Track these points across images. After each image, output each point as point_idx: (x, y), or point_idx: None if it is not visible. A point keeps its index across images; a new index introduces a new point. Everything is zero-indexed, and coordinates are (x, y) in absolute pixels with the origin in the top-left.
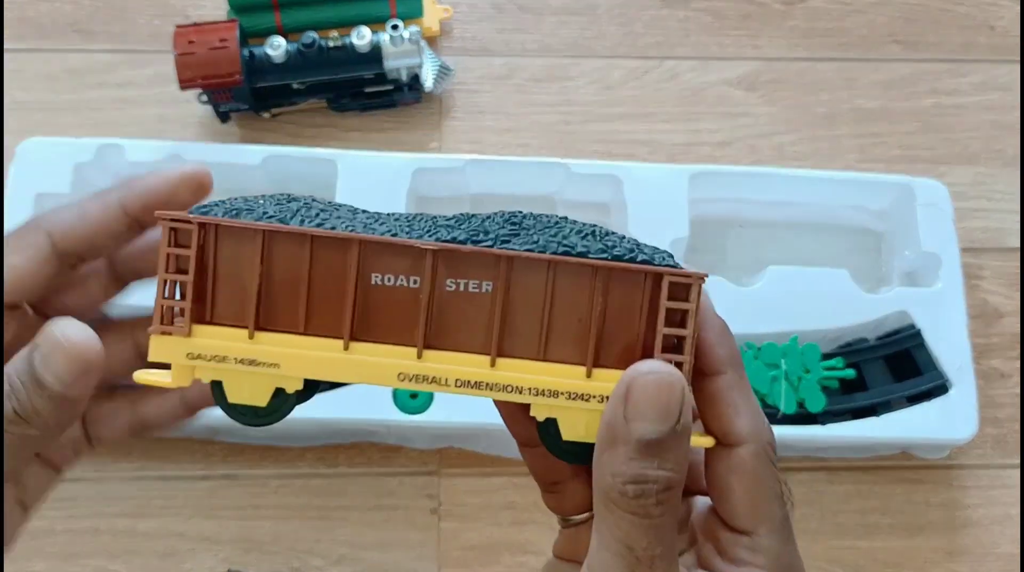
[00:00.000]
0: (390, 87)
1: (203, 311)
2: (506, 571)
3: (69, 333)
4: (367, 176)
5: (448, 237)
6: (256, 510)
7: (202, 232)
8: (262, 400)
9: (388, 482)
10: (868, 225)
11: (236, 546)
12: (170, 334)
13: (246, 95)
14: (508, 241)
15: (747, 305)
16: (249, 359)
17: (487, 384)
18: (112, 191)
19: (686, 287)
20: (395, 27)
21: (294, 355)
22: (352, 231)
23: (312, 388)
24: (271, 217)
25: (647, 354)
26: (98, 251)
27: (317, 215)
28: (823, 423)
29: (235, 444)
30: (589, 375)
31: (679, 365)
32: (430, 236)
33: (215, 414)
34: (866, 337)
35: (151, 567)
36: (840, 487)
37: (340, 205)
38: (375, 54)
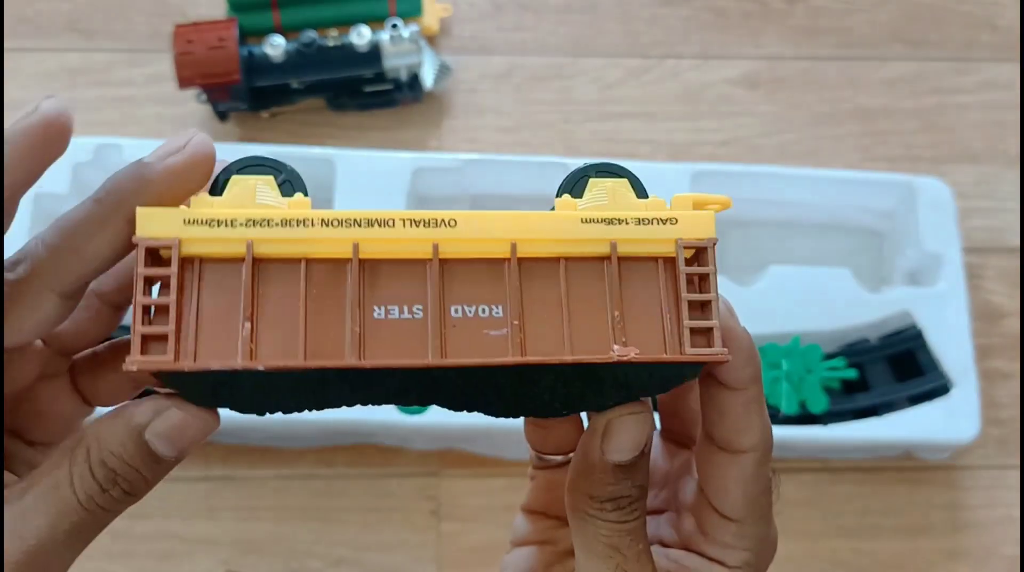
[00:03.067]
0: (389, 86)
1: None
2: None
3: (183, 409)
4: (366, 175)
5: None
6: (255, 511)
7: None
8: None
9: (388, 483)
10: (870, 224)
11: (235, 548)
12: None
13: (245, 94)
14: None
15: (748, 305)
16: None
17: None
18: (113, 214)
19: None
20: (394, 26)
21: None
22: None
23: None
24: None
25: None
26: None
27: None
28: (825, 424)
29: (234, 445)
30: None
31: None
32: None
33: None
34: (868, 337)
35: (149, 568)
36: (842, 488)
37: None
38: (374, 53)
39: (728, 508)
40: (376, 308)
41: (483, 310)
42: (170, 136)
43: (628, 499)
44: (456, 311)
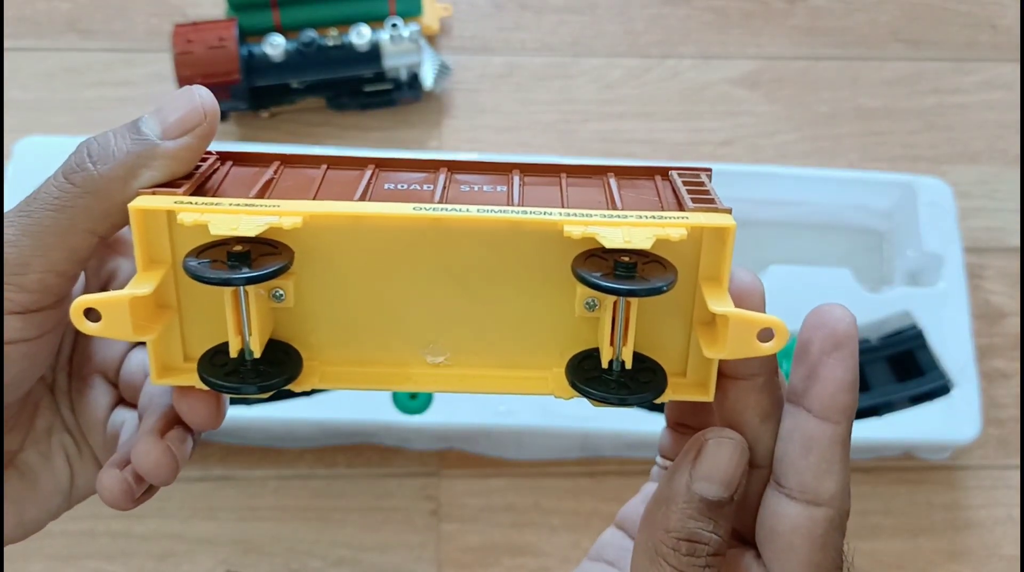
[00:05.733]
0: (389, 86)
1: (207, 191)
2: None
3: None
4: None
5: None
6: (254, 511)
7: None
8: (254, 230)
9: (387, 483)
10: (870, 224)
11: (234, 548)
12: (164, 195)
13: (244, 94)
14: None
15: None
16: (247, 203)
17: (512, 210)
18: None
19: (695, 174)
20: (394, 25)
21: (296, 203)
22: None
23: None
24: None
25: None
26: None
27: None
28: None
29: (233, 445)
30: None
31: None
32: None
33: None
34: (868, 337)
35: (148, 569)
36: None
37: None
38: (374, 52)
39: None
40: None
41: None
42: (174, 97)
43: (705, 546)
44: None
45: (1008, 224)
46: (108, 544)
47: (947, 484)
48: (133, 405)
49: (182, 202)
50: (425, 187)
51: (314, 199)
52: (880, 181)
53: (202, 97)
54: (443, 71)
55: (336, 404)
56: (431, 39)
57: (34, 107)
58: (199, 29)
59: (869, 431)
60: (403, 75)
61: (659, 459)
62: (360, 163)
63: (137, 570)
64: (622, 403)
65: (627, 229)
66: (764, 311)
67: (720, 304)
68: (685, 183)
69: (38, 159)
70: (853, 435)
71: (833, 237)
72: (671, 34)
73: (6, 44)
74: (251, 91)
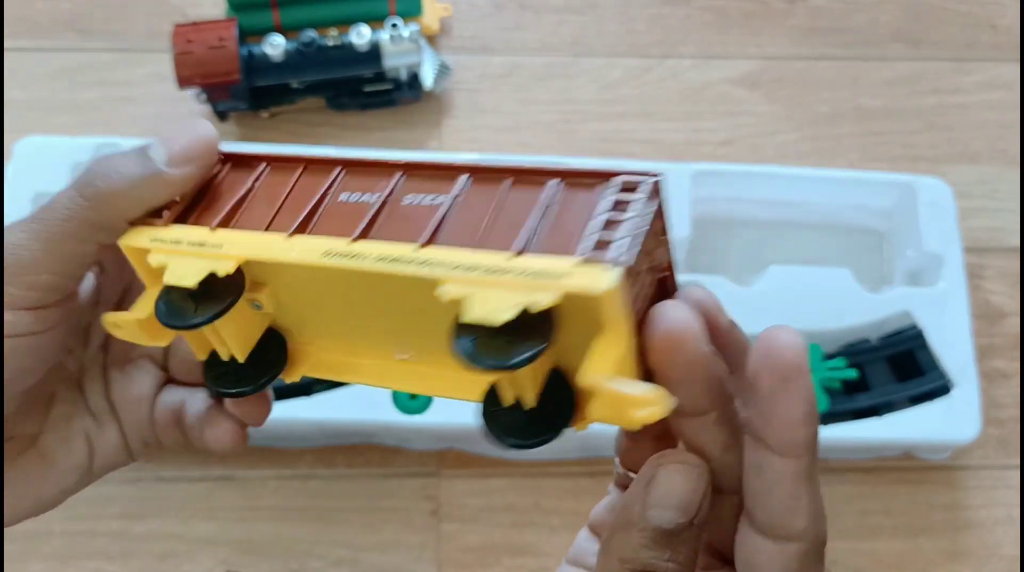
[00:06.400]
0: (389, 86)
1: (185, 217)
2: None
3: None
4: None
5: None
6: (254, 511)
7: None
8: (192, 280)
9: (387, 483)
10: (870, 224)
11: (234, 548)
12: (150, 225)
13: (244, 94)
14: None
15: (748, 305)
16: (200, 242)
17: (406, 259)
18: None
19: (632, 187)
20: (394, 25)
21: (237, 239)
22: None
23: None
24: None
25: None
26: None
27: None
28: (825, 424)
29: None
30: (517, 255)
31: (618, 262)
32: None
33: None
34: (868, 337)
35: (149, 569)
36: (842, 488)
37: None
38: (374, 52)
39: None
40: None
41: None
42: (180, 127)
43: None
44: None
45: (1008, 224)
46: (108, 544)
47: (947, 484)
48: (184, 382)
49: (157, 239)
50: (374, 198)
51: (270, 221)
52: (880, 181)
53: (207, 131)
54: (443, 71)
55: (336, 404)
56: (431, 39)
57: (34, 107)
58: (199, 29)
59: (869, 431)
60: (403, 75)
61: (618, 464)
62: (330, 165)
63: (137, 570)
64: (516, 447)
65: (497, 294)
66: (725, 319)
67: (592, 375)
68: (617, 205)
69: (38, 159)
70: (854, 435)
71: (833, 237)
72: (671, 34)
73: (6, 44)
74: (251, 91)
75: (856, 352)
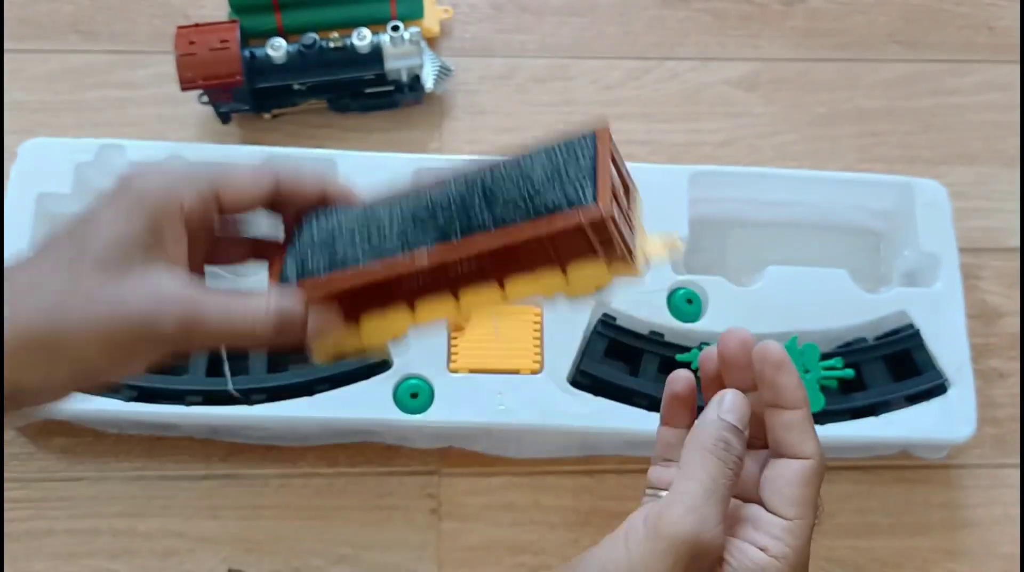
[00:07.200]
0: (390, 88)
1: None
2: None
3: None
4: (367, 177)
5: (439, 226)
6: (256, 510)
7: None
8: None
9: (388, 482)
10: (868, 225)
11: (236, 546)
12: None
13: (247, 96)
14: (484, 210)
15: (747, 305)
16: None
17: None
18: (266, 167)
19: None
20: (395, 28)
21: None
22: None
23: None
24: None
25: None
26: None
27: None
28: (822, 423)
29: (235, 443)
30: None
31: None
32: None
33: (216, 413)
34: (865, 337)
35: (151, 567)
36: (839, 487)
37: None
38: (375, 55)
39: (782, 505)
40: None
41: None
42: (170, 137)
43: (733, 448)
44: None
45: (1005, 224)
46: (110, 542)
47: (944, 483)
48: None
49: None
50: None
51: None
52: (877, 182)
53: None
54: (444, 73)
55: (337, 403)
56: (432, 41)
57: (37, 109)
58: (201, 31)
59: (866, 430)
60: (404, 77)
61: (648, 484)
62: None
63: (139, 568)
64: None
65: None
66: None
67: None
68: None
69: (41, 161)
70: (851, 433)
71: (831, 238)
72: (670, 36)
73: (8, 45)
74: (253, 93)
75: (853, 352)
